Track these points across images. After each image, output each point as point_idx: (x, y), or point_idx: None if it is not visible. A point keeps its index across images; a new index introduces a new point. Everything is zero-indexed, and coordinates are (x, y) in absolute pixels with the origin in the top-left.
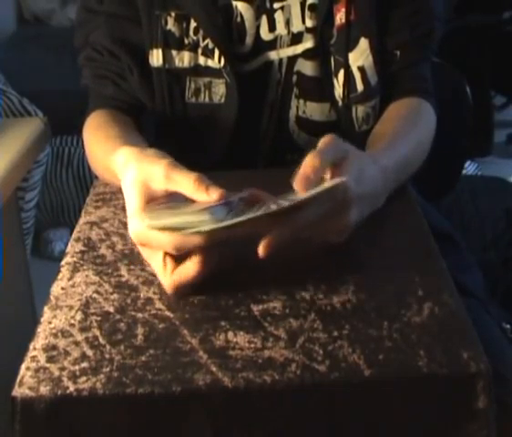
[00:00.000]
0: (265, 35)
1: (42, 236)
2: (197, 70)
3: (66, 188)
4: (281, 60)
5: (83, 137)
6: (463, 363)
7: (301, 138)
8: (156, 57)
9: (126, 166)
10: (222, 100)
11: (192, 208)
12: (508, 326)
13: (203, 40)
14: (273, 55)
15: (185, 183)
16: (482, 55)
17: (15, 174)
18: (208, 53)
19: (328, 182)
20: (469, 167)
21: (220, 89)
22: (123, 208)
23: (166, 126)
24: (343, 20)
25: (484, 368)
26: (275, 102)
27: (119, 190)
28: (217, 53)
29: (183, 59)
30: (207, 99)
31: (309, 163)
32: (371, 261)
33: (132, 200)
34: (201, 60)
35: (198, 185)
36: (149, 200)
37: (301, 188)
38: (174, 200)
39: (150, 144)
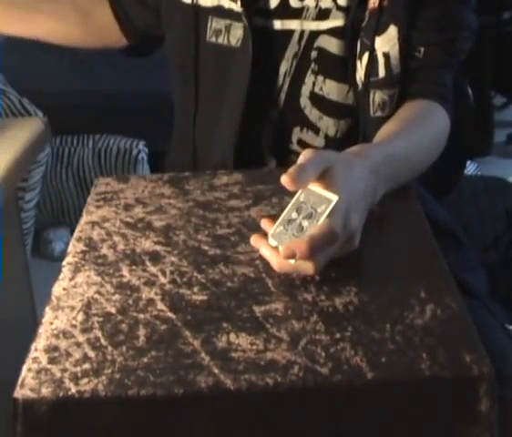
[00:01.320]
0: (293, 2)
1: (42, 236)
2: (219, 11)
3: (66, 188)
4: (302, 32)
5: None
6: (465, 366)
7: (312, 115)
8: None
9: None
10: (239, 44)
11: None
12: (511, 327)
13: None
14: (296, 24)
15: None
16: (482, 55)
17: (15, 174)
18: None
19: (324, 203)
20: (469, 167)
21: (238, 33)
22: (124, 208)
23: (184, 67)
24: (377, 4)
25: (486, 371)
26: (287, 74)
27: (121, 190)
28: None
29: None
30: (225, 41)
31: (293, 168)
32: (372, 262)
33: None
34: (225, 2)
35: None
36: None
37: (290, 184)
38: None
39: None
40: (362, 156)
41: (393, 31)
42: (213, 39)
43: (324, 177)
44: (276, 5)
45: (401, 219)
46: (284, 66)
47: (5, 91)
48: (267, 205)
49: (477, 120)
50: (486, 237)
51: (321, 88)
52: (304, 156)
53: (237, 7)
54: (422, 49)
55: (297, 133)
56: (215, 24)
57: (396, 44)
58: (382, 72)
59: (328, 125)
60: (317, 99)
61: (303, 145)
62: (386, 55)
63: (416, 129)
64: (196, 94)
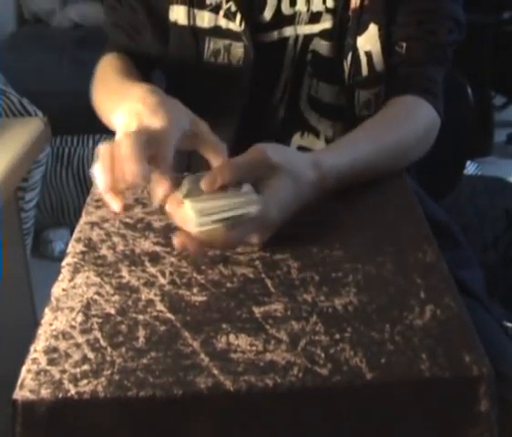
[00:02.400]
0: (286, 9)
1: (42, 236)
2: (217, 31)
3: (66, 188)
4: (297, 37)
5: (94, 79)
6: (465, 366)
7: (311, 118)
8: (176, 13)
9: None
10: (240, 63)
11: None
12: (510, 324)
13: (226, 2)
14: (290, 30)
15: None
16: (482, 55)
17: (15, 174)
18: (230, 15)
19: (243, 205)
20: (469, 167)
21: (238, 52)
22: (124, 208)
23: (179, 86)
24: (358, 3)
25: (486, 371)
26: (288, 79)
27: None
28: (239, 16)
29: (203, 19)
30: (225, 61)
31: (220, 168)
32: (371, 262)
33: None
34: (222, 22)
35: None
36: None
37: (206, 188)
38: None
39: None
40: (317, 165)
41: (373, 29)
42: (212, 59)
43: (264, 182)
44: (271, 16)
45: (400, 220)
46: (285, 74)
47: (5, 91)
48: None
49: (477, 120)
50: (485, 237)
51: (316, 91)
52: (247, 154)
53: (235, 27)
54: (404, 44)
55: (297, 140)
56: (213, 44)
57: (378, 41)
58: (365, 71)
59: (325, 127)
60: (314, 102)
61: (304, 151)
62: (368, 54)
63: (389, 134)
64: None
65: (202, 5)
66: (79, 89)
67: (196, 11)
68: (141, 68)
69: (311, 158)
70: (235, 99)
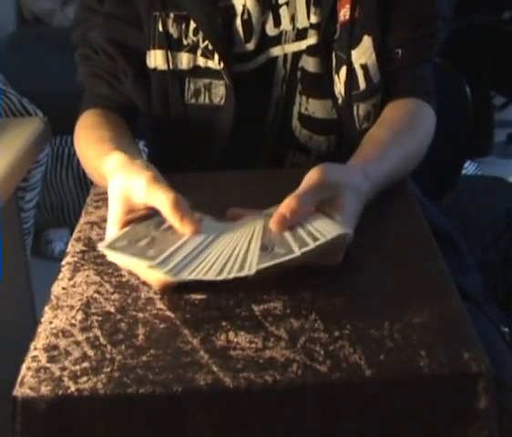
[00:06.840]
0: (270, 30)
1: (42, 236)
2: (196, 71)
3: (66, 188)
4: (285, 56)
5: (74, 136)
6: (464, 363)
7: (302, 136)
8: (153, 58)
9: (114, 172)
10: (222, 102)
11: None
12: (507, 329)
13: (203, 41)
14: (278, 50)
15: (162, 202)
16: (482, 55)
17: (15, 174)
18: (208, 54)
19: (329, 232)
20: (469, 167)
21: (219, 91)
22: None
23: (164, 128)
24: (347, 16)
25: (485, 368)
26: (280, 99)
27: None
28: (217, 54)
29: (182, 60)
30: (207, 100)
31: (287, 204)
32: (371, 261)
33: (113, 208)
34: (201, 61)
35: (173, 210)
36: (129, 212)
37: (277, 229)
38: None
39: (147, 147)
40: (367, 176)
41: (367, 41)
42: (193, 100)
43: (331, 204)
44: (255, 43)
45: (399, 219)
46: (276, 93)
47: (5, 91)
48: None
49: (477, 120)
50: (485, 237)
51: (306, 108)
52: (306, 182)
53: (214, 65)
54: (399, 51)
55: (290, 158)
56: (193, 85)
57: (373, 53)
58: (362, 84)
59: (319, 143)
60: (305, 120)
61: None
62: (364, 67)
63: (407, 137)
64: (176, 150)
65: (179, 47)
66: (79, 89)
67: (174, 53)
68: (124, 117)
69: (360, 169)
70: (220, 135)
